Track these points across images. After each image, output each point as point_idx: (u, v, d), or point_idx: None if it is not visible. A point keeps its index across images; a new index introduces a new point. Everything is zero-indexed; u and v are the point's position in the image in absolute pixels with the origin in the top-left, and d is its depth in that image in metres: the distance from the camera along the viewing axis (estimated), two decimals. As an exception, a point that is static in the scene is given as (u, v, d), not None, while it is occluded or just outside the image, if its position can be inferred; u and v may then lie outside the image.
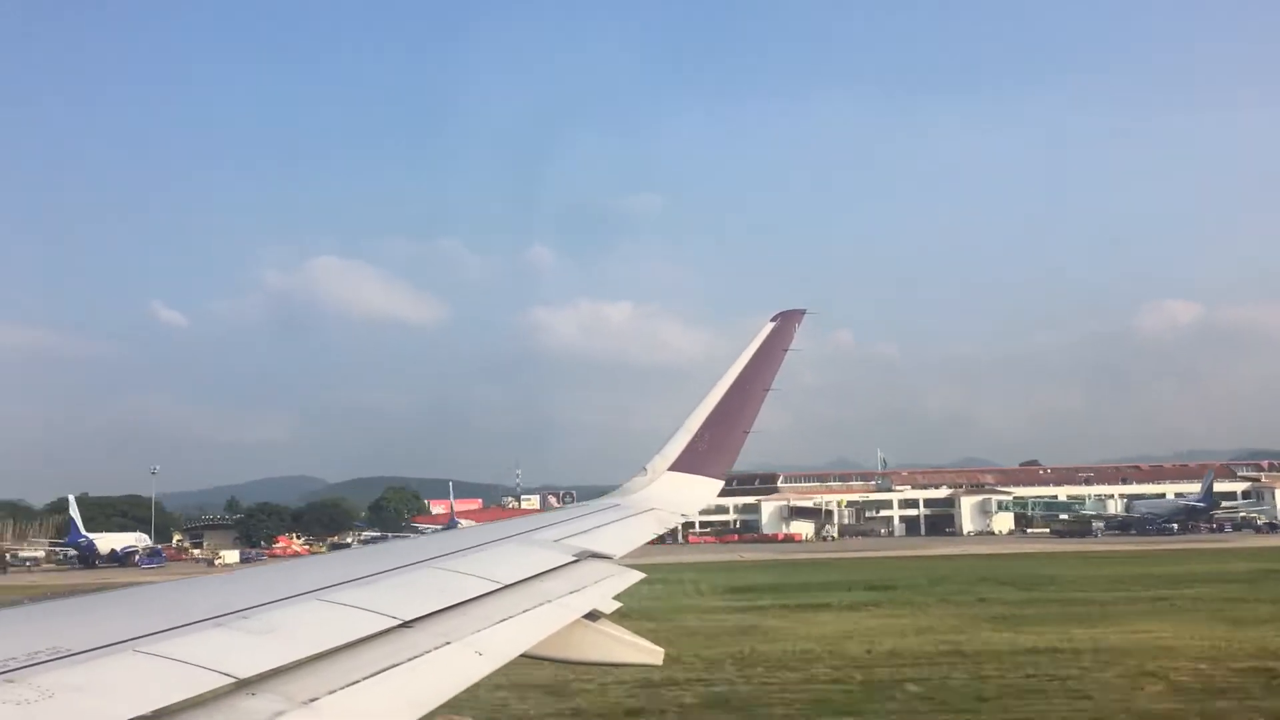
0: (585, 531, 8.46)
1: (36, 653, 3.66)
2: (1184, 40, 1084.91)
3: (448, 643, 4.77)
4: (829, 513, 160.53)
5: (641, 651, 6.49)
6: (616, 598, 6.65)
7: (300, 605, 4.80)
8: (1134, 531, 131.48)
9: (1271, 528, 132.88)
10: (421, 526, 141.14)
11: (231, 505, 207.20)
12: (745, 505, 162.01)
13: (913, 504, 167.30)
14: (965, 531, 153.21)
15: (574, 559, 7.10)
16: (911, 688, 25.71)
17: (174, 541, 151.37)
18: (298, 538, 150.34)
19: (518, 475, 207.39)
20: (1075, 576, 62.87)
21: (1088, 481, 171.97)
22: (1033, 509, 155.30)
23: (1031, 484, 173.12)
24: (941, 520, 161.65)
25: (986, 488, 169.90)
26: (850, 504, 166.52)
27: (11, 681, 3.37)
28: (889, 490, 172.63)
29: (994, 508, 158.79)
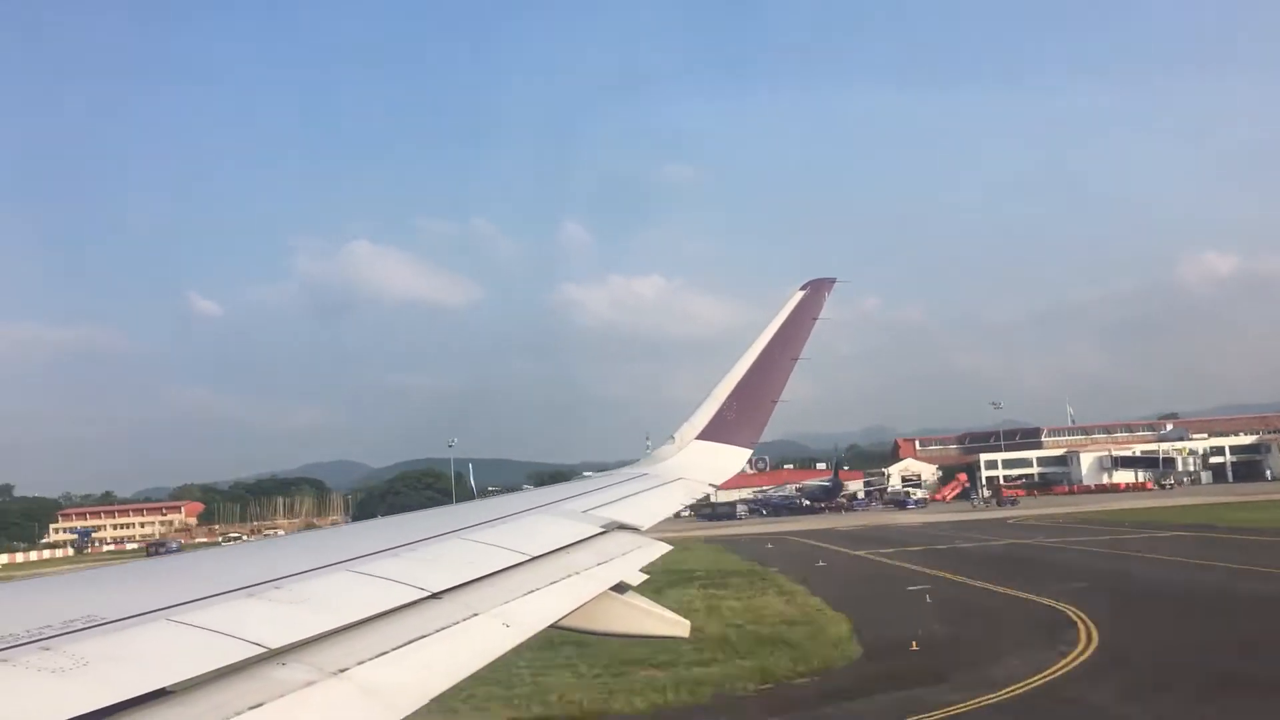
0: (613, 502, 8.46)
1: (72, 621, 3.71)
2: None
3: (475, 615, 4.78)
4: (1169, 460, 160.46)
5: (667, 624, 6.50)
6: (644, 569, 6.66)
7: (331, 576, 4.84)
8: None
9: None
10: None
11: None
12: (1050, 458, 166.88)
13: (1218, 451, 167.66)
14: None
15: (601, 530, 7.11)
16: None
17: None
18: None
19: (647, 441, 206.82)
20: None
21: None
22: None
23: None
24: (1240, 468, 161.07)
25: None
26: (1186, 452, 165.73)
27: (48, 649, 3.42)
28: (1181, 439, 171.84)
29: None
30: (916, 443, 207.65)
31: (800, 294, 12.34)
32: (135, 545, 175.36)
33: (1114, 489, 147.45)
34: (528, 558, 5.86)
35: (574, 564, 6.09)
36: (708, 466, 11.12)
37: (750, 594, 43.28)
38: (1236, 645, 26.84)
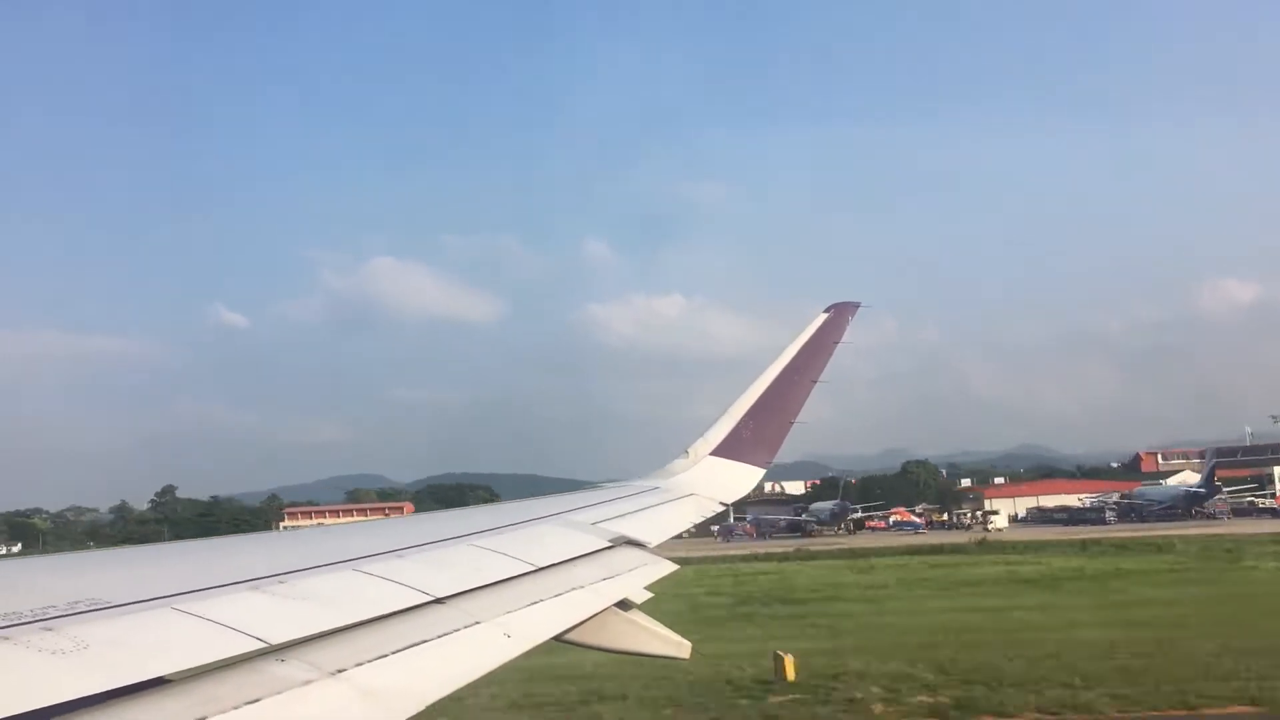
0: (623, 515, 8.38)
1: (76, 603, 3.71)
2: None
3: (477, 622, 4.76)
4: None
5: (669, 644, 6.46)
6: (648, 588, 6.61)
7: (336, 574, 4.83)
8: None
9: None
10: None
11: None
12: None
13: None
14: None
15: (609, 544, 7.06)
16: None
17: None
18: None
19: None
20: None
21: None
22: None
23: None
24: None
25: None
26: None
27: (50, 630, 3.42)
28: None
29: None
30: (1159, 456, 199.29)
31: (824, 317, 12.29)
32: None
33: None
34: (534, 568, 5.82)
35: (579, 578, 6.05)
36: (720, 484, 11.04)
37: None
38: None
